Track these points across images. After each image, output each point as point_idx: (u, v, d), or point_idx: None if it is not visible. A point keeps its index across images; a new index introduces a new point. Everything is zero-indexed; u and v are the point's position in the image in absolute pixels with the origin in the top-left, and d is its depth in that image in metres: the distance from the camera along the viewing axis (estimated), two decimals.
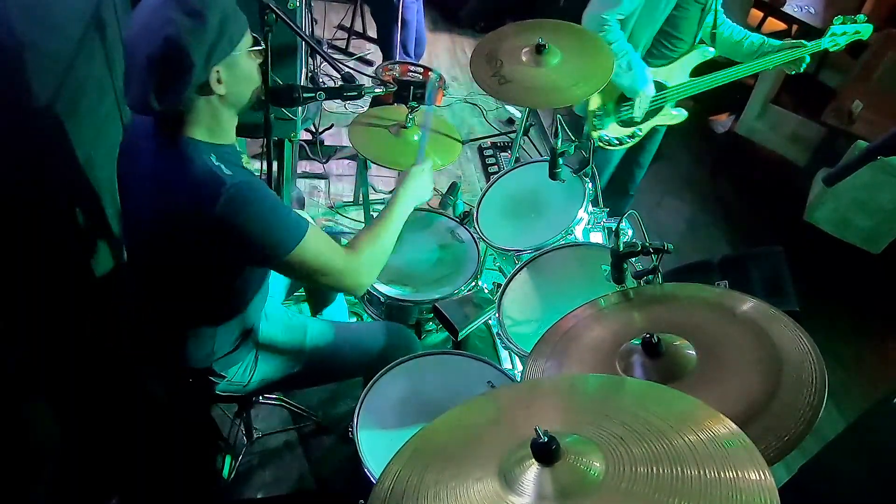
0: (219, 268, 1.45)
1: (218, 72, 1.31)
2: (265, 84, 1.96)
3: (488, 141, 3.88)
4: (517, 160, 2.64)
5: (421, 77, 2.97)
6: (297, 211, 2.00)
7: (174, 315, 1.60)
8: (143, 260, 1.55)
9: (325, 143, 3.53)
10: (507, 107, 4.13)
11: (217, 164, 1.33)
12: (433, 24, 4.83)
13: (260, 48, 1.43)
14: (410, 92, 2.17)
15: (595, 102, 2.40)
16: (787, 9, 3.92)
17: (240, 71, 1.36)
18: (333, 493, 2.14)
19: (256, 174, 1.52)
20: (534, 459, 0.92)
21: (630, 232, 1.92)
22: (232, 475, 2.13)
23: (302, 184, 3.34)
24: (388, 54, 3.67)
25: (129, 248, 1.61)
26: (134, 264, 1.61)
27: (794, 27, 4.06)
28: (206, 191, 1.29)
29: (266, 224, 1.35)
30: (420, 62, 3.71)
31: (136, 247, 1.56)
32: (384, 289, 2.05)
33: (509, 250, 2.06)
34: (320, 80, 3.21)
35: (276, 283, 1.96)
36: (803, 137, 3.37)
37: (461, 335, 1.89)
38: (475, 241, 2.22)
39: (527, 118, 2.65)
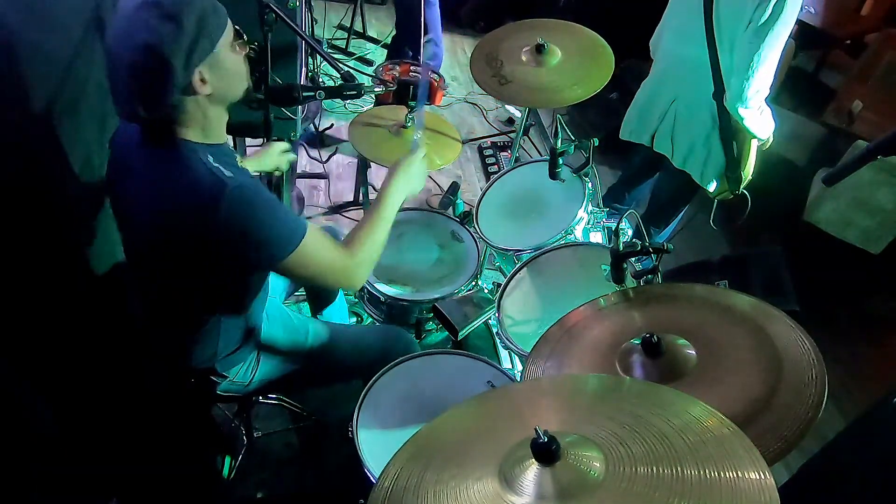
0: (220, 271, 1.45)
1: (201, 72, 1.28)
2: (265, 84, 1.97)
3: (488, 141, 3.89)
4: (517, 160, 2.65)
5: (421, 76, 2.97)
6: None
7: (176, 316, 1.60)
8: (143, 264, 1.55)
9: (325, 141, 3.54)
10: (507, 107, 4.13)
11: (215, 165, 1.31)
12: None
13: (244, 40, 1.39)
14: (410, 92, 2.17)
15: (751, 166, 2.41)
16: None
17: (224, 67, 1.33)
18: (333, 493, 2.14)
19: (254, 175, 1.51)
20: (534, 459, 0.92)
21: (630, 232, 1.92)
22: (232, 475, 2.13)
23: (302, 184, 3.34)
24: (414, 36, 3.63)
25: (128, 253, 1.60)
26: (134, 268, 1.60)
27: (794, 27, 4.05)
28: (208, 193, 1.28)
29: (268, 226, 1.33)
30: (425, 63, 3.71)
31: (136, 252, 1.56)
32: (384, 288, 2.05)
33: (509, 250, 2.06)
34: (320, 79, 3.21)
35: (277, 283, 1.96)
36: (803, 137, 3.37)
37: (461, 335, 1.89)
38: (475, 241, 2.22)
39: (527, 118, 2.65)
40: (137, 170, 1.39)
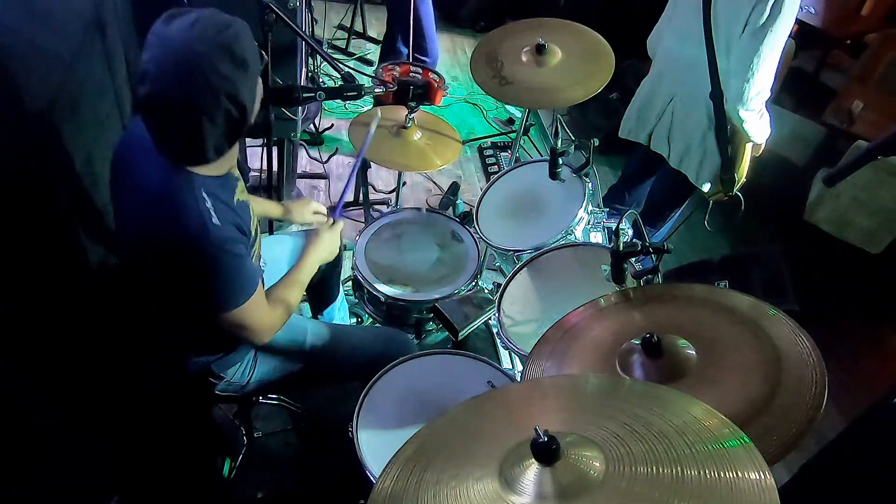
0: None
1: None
2: (265, 84, 1.97)
3: (488, 141, 3.89)
4: (517, 160, 2.65)
5: (421, 77, 2.97)
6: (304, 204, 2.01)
7: (170, 316, 1.60)
8: (135, 265, 1.55)
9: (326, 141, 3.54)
10: (507, 106, 4.13)
11: (208, 206, 1.33)
12: None
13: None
14: (410, 92, 2.17)
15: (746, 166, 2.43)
16: None
17: (259, 93, 1.35)
18: (333, 493, 2.14)
19: (254, 173, 1.53)
20: (534, 459, 0.92)
21: (630, 232, 1.92)
22: (232, 475, 2.13)
23: (302, 184, 3.34)
24: (406, 32, 3.62)
25: (124, 258, 1.61)
26: (127, 267, 1.61)
27: (794, 27, 4.05)
28: (191, 234, 1.31)
29: (225, 281, 1.38)
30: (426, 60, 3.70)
31: (128, 253, 1.57)
32: (384, 289, 2.05)
33: (509, 250, 2.06)
34: (320, 80, 3.21)
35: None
36: (803, 137, 3.37)
37: (461, 335, 1.89)
38: (475, 241, 2.22)
39: (527, 118, 2.65)
40: (140, 179, 1.39)
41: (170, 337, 1.67)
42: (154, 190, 1.34)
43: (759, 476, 0.82)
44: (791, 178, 3.24)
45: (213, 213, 1.33)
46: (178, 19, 1.21)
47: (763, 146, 2.37)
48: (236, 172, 1.52)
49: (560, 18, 2.42)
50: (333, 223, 1.87)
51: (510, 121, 4.07)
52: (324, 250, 1.80)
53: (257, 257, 1.59)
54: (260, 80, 1.34)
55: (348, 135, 2.31)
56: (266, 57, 1.90)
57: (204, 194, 1.34)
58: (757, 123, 2.20)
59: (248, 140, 2.88)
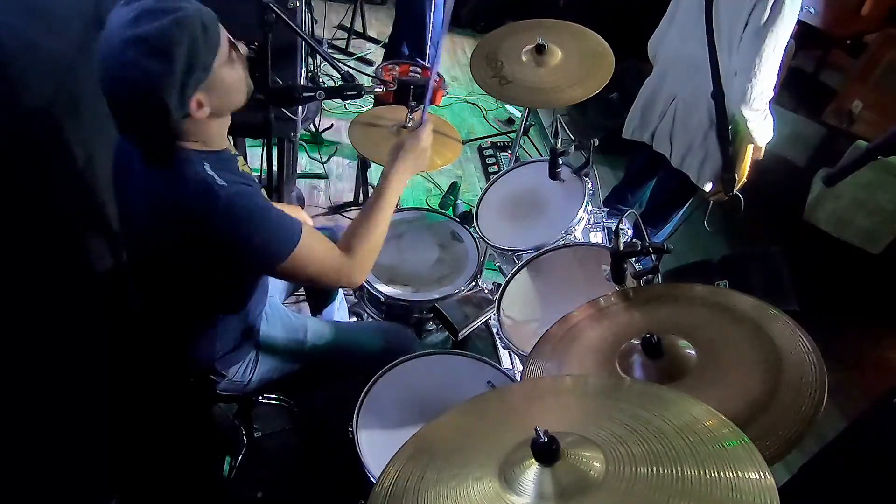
0: (219, 275, 1.45)
1: (198, 99, 1.25)
2: (265, 84, 1.97)
3: (488, 141, 3.89)
4: (517, 160, 2.65)
5: (421, 77, 2.97)
6: (295, 212, 2.00)
7: (175, 315, 1.60)
8: (143, 266, 1.55)
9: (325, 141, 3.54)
10: (507, 106, 4.13)
11: (210, 173, 1.30)
12: None
13: (239, 50, 1.35)
14: (410, 92, 2.18)
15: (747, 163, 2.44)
16: None
17: (222, 86, 1.29)
18: (333, 493, 2.14)
19: (254, 175, 1.51)
20: (534, 459, 0.92)
21: (630, 232, 1.92)
22: (232, 475, 2.13)
23: (302, 183, 3.34)
24: (411, 34, 3.61)
25: (129, 253, 1.61)
26: (134, 268, 1.61)
27: (794, 27, 4.05)
28: (202, 205, 1.27)
29: (264, 232, 1.33)
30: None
31: (136, 253, 1.56)
32: (384, 289, 2.05)
33: (509, 250, 2.06)
34: (320, 80, 3.21)
35: (276, 282, 1.96)
36: (803, 137, 3.37)
37: (461, 335, 1.89)
38: (475, 241, 2.22)
39: (527, 118, 2.65)
40: (136, 177, 1.38)
41: (170, 337, 1.67)
42: (156, 183, 1.33)
43: (759, 476, 0.82)
44: (791, 178, 3.24)
45: (216, 177, 1.29)
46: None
47: (763, 150, 2.38)
48: (233, 150, 1.50)
49: (560, 19, 2.42)
50: (421, 125, 1.68)
51: (510, 121, 4.07)
52: (419, 156, 1.63)
53: None
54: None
55: (348, 135, 2.31)
56: (252, 49, 1.89)
57: (206, 167, 1.31)
58: (761, 124, 2.20)
59: (248, 140, 2.88)
